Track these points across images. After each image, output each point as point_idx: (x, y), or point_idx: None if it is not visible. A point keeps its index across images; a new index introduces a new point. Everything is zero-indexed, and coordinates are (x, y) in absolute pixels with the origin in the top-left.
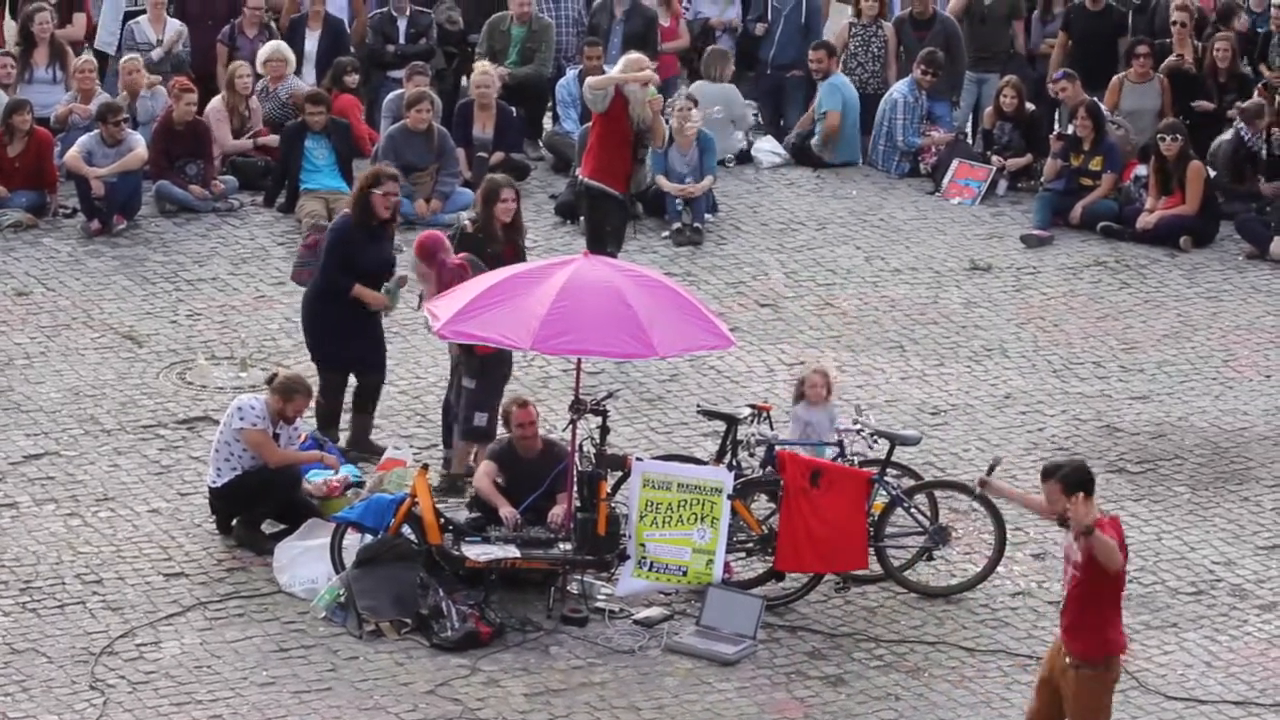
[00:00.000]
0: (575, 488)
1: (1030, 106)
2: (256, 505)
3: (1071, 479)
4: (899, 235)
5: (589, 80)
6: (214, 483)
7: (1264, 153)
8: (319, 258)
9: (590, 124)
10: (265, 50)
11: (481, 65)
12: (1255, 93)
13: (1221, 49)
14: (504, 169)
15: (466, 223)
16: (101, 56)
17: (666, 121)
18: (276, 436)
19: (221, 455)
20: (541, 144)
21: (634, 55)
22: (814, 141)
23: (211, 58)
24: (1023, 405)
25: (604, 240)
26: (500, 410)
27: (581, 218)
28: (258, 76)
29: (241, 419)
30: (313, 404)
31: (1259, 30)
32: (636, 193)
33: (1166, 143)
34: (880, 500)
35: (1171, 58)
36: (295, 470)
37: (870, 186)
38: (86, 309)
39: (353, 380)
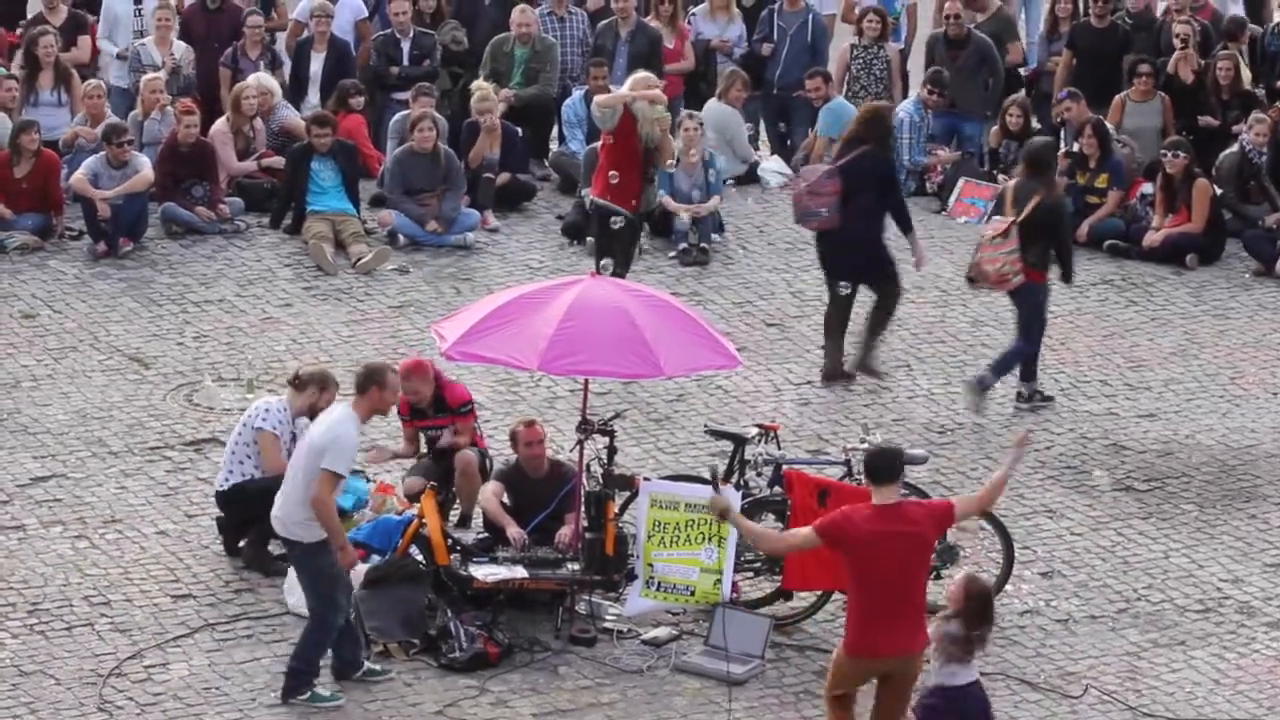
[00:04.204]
0: (583, 508)
1: (1036, 125)
2: (259, 513)
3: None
4: (905, 254)
5: (597, 99)
6: (221, 485)
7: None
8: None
9: (597, 144)
10: (249, 83)
11: (481, 88)
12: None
13: (1225, 67)
14: (509, 189)
15: None
16: None
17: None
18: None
19: (237, 457)
20: (547, 164)
21: (642, 74)
22: (796, 160)
23: (217, 80)
24: (1030, 424)
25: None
26: (510, 432)
27: (589, 238)
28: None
29: (264, 420)
30: None
31: (1271, 48)
32: (646, 213)
33: (1169, 159)
34: None
35: (1171, 67)
36: None
37: None
38: (93, 331)
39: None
